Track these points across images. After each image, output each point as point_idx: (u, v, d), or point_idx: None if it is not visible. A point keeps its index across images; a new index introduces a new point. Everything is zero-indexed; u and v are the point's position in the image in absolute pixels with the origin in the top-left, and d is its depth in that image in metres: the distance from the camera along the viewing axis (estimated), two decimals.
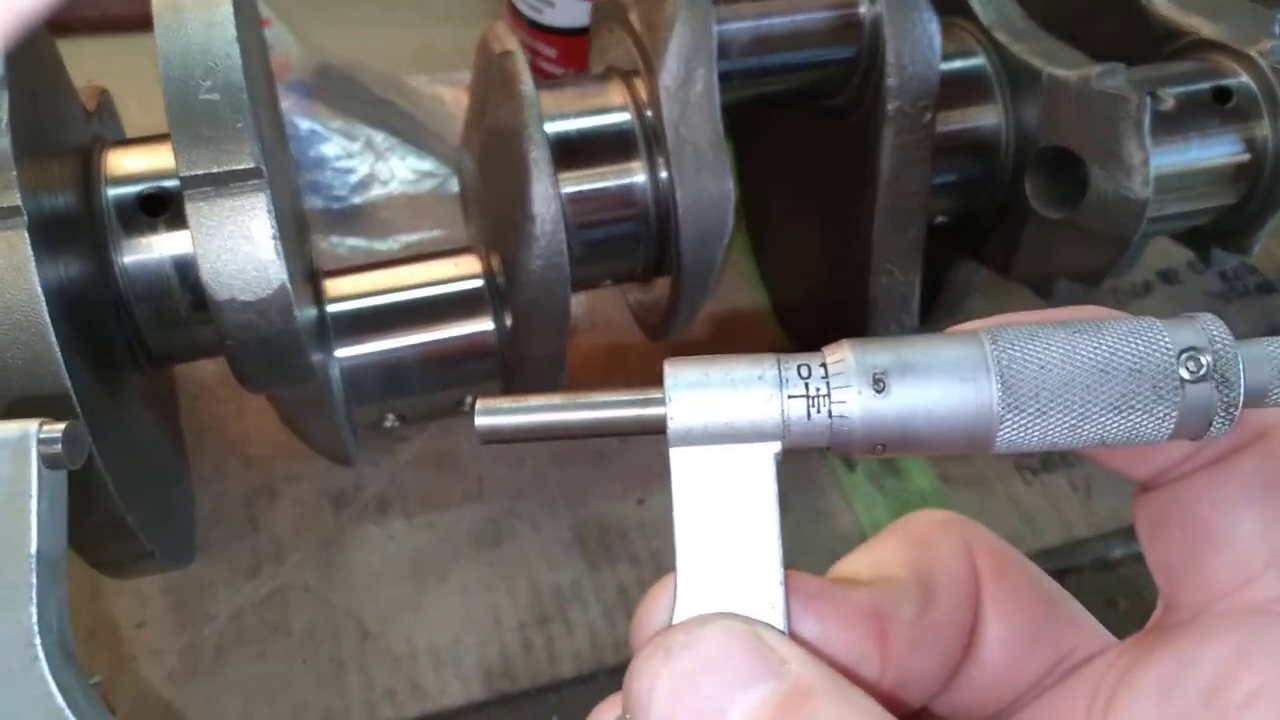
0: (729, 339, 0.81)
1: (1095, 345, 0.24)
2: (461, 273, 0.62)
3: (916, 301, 0.66)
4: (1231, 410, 0.24)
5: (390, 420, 0.64)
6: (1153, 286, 0.87)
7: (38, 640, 0.34)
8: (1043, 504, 0.74)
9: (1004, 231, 0.67)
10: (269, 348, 0.48)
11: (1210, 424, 0.24)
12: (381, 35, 0.96)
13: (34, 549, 0.34)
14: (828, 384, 0.25)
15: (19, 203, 0.42)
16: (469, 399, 0.65)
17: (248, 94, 0.47)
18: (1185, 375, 0.24)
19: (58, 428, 0.35)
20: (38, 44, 0.50)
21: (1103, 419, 0.24)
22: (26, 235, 0.42)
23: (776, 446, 0.25)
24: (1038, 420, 0.24)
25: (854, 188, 0.64)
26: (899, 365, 0.25)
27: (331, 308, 0.60)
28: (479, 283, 0.62)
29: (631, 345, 0.75)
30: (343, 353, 0.60)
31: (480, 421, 0.25)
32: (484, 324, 0.62)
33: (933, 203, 0.63)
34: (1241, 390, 0.24)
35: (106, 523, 0.49)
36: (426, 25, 0.98)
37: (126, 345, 0.54)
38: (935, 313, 0.74)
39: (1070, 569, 0.71)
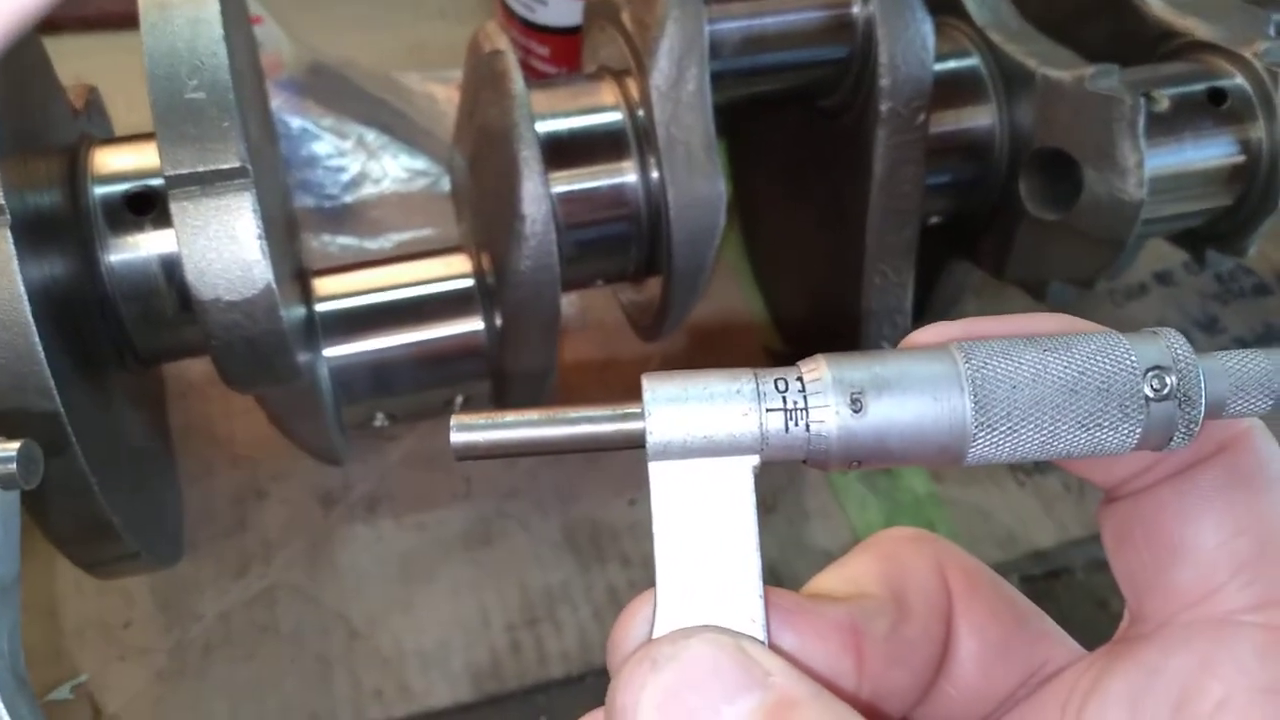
0: (722, 339, 0.81)
1: (1065, 364, 0.25)
2: (451, 272, 0.62)
3: (910, 302, 0.65)
4: (1192, 426, 0.25)
5: (379, 419, 0.64)
6: (1148, 287, 0.86)
7: None
8: (1035, 504, 0.74)
9: (998, 233, 0.67)
10: (254, 348, 0.48)
11: (1172, 438, 0.25)
12: (374, 33, 0.95)
13: None
14: (805, 398, 0.25)
15: (2, 201, 0.42)
16: (459, 398, 0.65)
17: (234, 93, 0.46)
18: (1150, 394, 0.25)
19: (11, 447, 0.34)
20: (24, 41, 0.50)
21: (1071, 435, 0.25)
22: (9, 234, 0.42)
23: (755, 460, 0.25)
24: (1009, 437, 0.25)
25: (847, 188, 0.63)
26: (875, 383, 0.25)
27: (320, 307, 0.60)
28: (469, 282, 0.62)
29: (624, 345, 0.75)
30: (332, 352, 0.60)
31: (456, 438, 0.25)
32: (474, 324, 0.62)
33: (927, 203, 0.63)
34: (1203, 407, 0.25)
35: (92, 523, 0.48)
36: (419, 23, 0.98)
37: (112, 344, 0.53)
38: (929, 313, 0.74)
39: (1063, 569, 0.71)
